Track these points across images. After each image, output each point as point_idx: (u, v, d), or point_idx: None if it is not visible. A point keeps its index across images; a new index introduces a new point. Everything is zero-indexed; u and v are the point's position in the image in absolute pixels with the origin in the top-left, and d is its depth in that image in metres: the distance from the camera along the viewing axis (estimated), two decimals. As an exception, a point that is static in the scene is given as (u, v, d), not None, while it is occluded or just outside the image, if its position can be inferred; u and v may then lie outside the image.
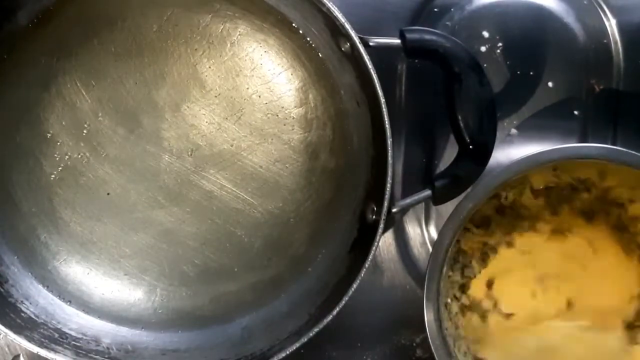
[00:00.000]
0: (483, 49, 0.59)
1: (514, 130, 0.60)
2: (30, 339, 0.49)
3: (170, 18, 0.54)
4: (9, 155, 0.54)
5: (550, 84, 0.59)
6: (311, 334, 0.49)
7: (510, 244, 0.56)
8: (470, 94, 0.50)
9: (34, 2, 0.52)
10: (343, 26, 0.48)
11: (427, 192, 0.51)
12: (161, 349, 0.55)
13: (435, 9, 0.59)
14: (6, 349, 0.57)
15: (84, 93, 0.54)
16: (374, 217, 0.51)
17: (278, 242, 0.56)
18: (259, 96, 0.55)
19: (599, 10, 0.60)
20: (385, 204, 0.49)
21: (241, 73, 0.55)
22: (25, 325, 0.51)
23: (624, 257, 0.56)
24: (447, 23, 0.59)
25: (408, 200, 0.51)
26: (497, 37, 0.59)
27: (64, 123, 0.54)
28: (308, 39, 0.54)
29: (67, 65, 0.53)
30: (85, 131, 0.54)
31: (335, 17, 0.47)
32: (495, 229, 0.56)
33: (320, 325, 0.49)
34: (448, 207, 0.52)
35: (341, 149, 0.56)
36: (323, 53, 0.54)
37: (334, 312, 0.49)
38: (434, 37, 0.50)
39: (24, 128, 0.53)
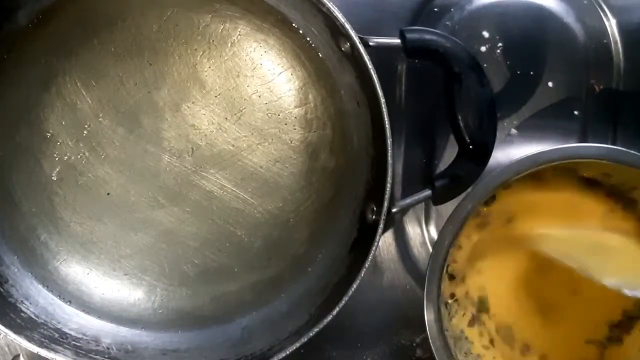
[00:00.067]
0: (483, 49, 0.59)
1: (514, 130, 0.60)
2: (30, 339, 0.49)
3: (170, 18, 0.54)
4: (9, 155, 0.54)
5: (550, 84, 0.60)
6: (311, 334, 0.49)
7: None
8: (470, 94, 0.50)
9: (34, 2, 0.52)
10: (343, 26, 0.48)
11: (427, 192, 0.51)
12: (161, 349, 0.55)
13: (435, 9, 0.59)
14: (6, 349, 0.57)
15: (84, 93, 0.54)
16: (374, 217, 0.51)
17: (278, 242, 0.56)
18: (259, 96, 0.55)
19: (599, 10, 0.60)
20: (385, 204, 0.49)
21: (241, 73, 0.55)
22: (25, 325, 0.51)
23: None
24: (447, 23, 0.59)
25: (408, 200, 0.51)
26: (497, 37, 0.59)
27: (64, 123, 0.54)
28: (308, 39, 0.54)
29: (67, 65, 0.53)
30: (85, 131, 0.54)
31: (335, 17, 0.47)
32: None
33: (320, 325, 0.49)
34: (448, 207, 0.52)
35: (341, 149, 0.56)
36: (323, 53, 0.54)
37: (334, 312, 0.49)
38: (434, 37, 0.50)
39: (24, 128, 0.53)
